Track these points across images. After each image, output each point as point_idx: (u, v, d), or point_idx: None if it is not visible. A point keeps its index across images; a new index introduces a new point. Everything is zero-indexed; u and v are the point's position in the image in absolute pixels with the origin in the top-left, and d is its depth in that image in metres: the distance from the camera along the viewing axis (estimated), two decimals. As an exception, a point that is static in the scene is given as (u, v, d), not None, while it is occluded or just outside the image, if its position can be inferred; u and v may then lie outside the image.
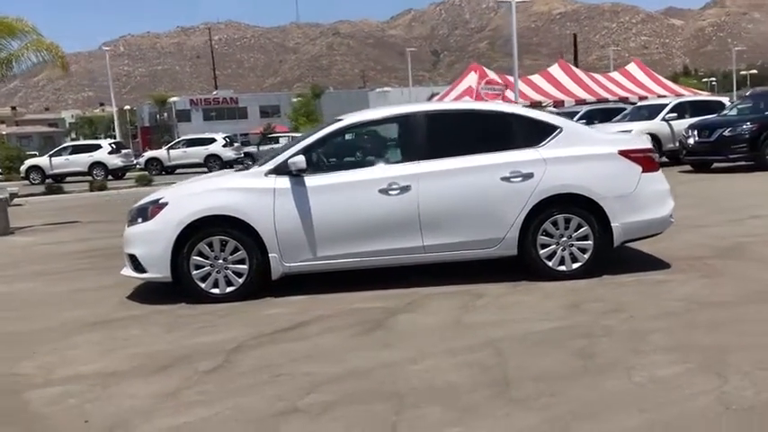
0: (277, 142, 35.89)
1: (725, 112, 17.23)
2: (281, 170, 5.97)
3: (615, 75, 41.63)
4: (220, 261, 5.92)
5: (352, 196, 5.93)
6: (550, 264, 5.99)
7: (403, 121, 6.23)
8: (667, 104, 19.42)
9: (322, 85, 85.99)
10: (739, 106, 17.07)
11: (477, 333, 4.62)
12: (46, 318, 5.82)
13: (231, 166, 31.69)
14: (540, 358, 4.06)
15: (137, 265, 6.06)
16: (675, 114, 18.27)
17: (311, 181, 5.92)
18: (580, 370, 3.84)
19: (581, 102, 35.10)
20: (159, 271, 5.96)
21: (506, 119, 6.29)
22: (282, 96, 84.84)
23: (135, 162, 31.71)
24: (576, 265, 6.00)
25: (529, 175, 5.90)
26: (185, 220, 5.87)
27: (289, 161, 5.90)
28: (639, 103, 26.19)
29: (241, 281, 5.94)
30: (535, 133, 6.12)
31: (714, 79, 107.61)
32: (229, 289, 5.95)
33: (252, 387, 3.89)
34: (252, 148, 35.90)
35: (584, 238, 5.98)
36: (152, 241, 5.95)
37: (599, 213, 5.96)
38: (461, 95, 34.92)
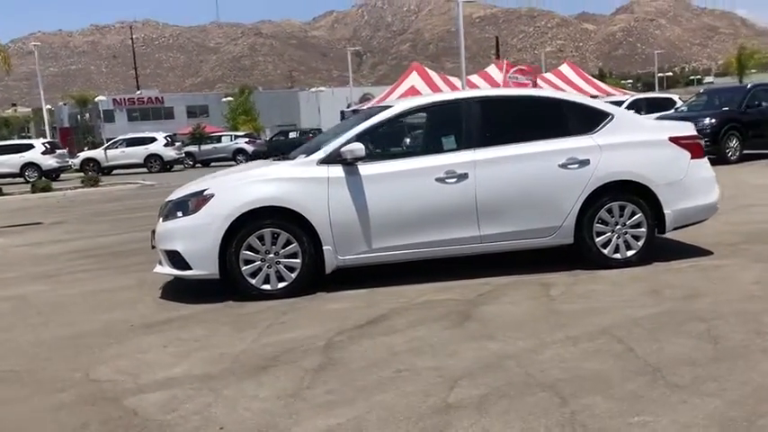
0: (219, 141, 34.98)
1: (682, 108, 17.85)
2: (333, 159, 5.69)
3: (549, 75, 42.65)
4: (271, 255, 5.59)
5: (408, 185, 5.71)
6: (605, 252, 5.94)
7: (457, 106, 6.04)
8: (624, 101, 20.27)
9: (250, 86, 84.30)
10: (694, 103, 17.70)
11: (581, 321, 4.49)
12: (83, 321, 5.34)
13: (172, 167, 30.74)
14: (666, 343, 3.96)
15: (178, 261, 5.65)
16: (632, 111, 18.97)
17: (365, 170, 5.67)
18: (720, 353, 3.76)
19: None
20: (206, 267, 5.57)
21: (560, 105, 6.21)
22: (211, 97, 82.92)
23: (70, 163, 30.19)
24: (630, 253, 5.97)
25: (585, 162, 5.84)
26: (235, 212, 5.50)
27: (344, 149, 5.62)
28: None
29: (294, 276, 5.62)
30: (588, 120, 6.06)
31: (630, 81, 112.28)
32: (281, 284, 5.63)
33: (382, 384, 3.63)
34: (193, 148, 34.82)
35: (638, 225, 5.95)
36: (198, 236, 5.55)
37: (652, 200, 5.95)
38: (405, 95, 34.99)
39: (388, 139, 6.10)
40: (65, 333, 5.03)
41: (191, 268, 5.61)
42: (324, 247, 5.61)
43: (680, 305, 4.74)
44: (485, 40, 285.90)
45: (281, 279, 5.63)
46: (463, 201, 5.73)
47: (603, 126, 6.01)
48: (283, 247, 5.59)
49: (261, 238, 5.57)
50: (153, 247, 6.14)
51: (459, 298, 5.29)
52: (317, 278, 5.70)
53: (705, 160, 6.21)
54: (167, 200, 6.01)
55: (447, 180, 5.70)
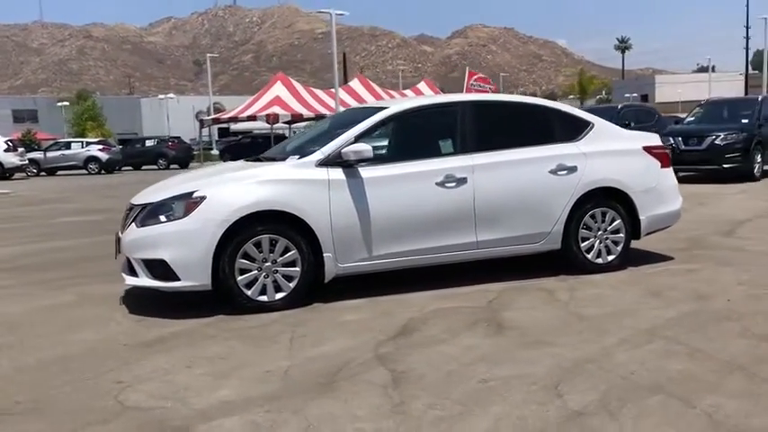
0: (68, 148, 32.29)
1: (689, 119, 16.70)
2: (332, 160, 5.36)
3: (408, 92, 43.69)
4: (268, 264, 5.15)
5: (408, 189, 5.51)
6: (589, 257, 6.08)
7: (454, 109, 5.91)
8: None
9: (87, 91, 79.05)
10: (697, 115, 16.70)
11: (617, 324, 4.50)
12: (60, 342, 4.58)
13: (12, 175, 27.95)
14: (722, 342, 4.07)
15: (162, 271, 5.04)
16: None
17: (366, 172, 5.39)
18: (785, 349, 3.92)
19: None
20: (197, 278, 5.02)
21: (548, 112, 6.28)
22: (41, 101, 76.71)
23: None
24: (610, 258, 6.15)
25: (573, 169, 5.94)
26: (231, 216, 5.01)
27: (346, 150, 5.31)
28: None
29: (292, 285, 5.21)
30: (572, 128, 6.19)
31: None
32: (279, 295, 5.19)
33: (480, 394, 3.40)
34: (38, 154, 31.84)
35: (617, 231, 6.15)
36: (188, 243, 4.99)
37: (629, 207, 6.17)
38: (270, 105, 34.41)
39: (387, 142, 5.82)
40: (48, 357, 4.29)
41: (178, 279, 5.02)
42: (324, 255, 5.26)
43: (696, 306, 4.90)
44: (327, 56, 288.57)
45: (278, 289, 5.19)
46: (462, 206, 5.62)
47: (586, 134, 6.16)
48: (281, 255, 5.17)
49: (257, 245, 5.11)
50: (116, 255, 5.46)
51: (470, 305, 5.16)
52: (313, 288, 5.33)
53: (671, 169, 6.55)
54: (141, 202, 5.36)
55: (446, 184, 5.57)
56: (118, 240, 5.47)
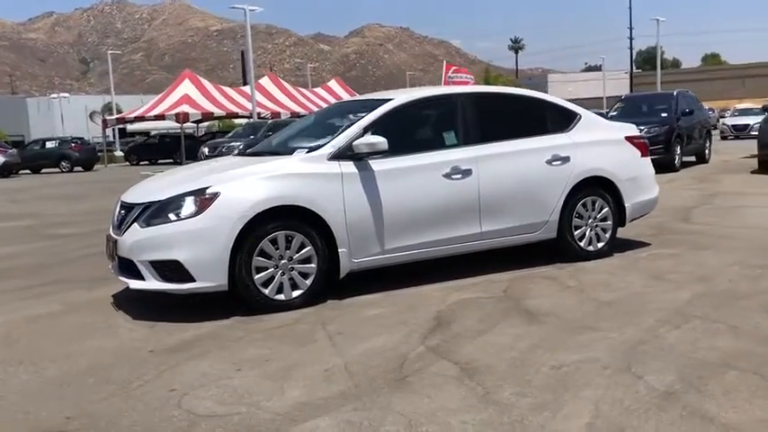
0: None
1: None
2: (344, 153, 5.24)
3: (320, 90, 43.64)
4: (284, 261, 4.98)
5: (419, 182, 5.47)
6: (581, 244, 6.24)
7: (456, 100, 5.89)
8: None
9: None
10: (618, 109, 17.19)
11: (643, 308, 4.63)
12: (73, 353, 4.25)
13: None
14: (751, 319, 4.27)
15: (175, 273, 4.77)
16: (271, 133, 20.55)
17: (377, 165, 5.31)
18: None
19: (295, 115, 35.97)
20: (214, 278, 4.78)
21: (541, 104, 6.39)
22: None
23: None
24: (600, 245, 6.33)
25: (567, 159, 6.08)
26: (248, 213, 4.81)
27: (358, 143, 5.21)
28: (250, 120, 28.20)
29: (308, 283, 5.06)
30: (564, 119, 6.34)
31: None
32: (295, 293, 5.03)
33: (567, 382, 3.41)
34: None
35: (605, 218, 6.35)
36: (205, 241, 4.74)
37: (615, 195, 6.38)
38: (178, 103, 33.35)
39: (392, 133, 5.71)
40: (71, 368, 3.97)
41: (193, 280, 4.77)
42: (339, 250, 5.14)
43: (704, 288, 5.11)
44: (223, 54, 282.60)
45: (294, 287, 5.03)
46: (468, 197, 5.64)
47: (575, 125, 6.32)
48: (297, 252, 5.01)
49: (273, 242, 4.93)
50: (115, 258, 5.13)
51: (487, 295, 5.18)
52: (327, 285, 5.20)
53: (649, 158, 6.82)
54: (143, 200, 5.05)
55: (453, 176, 5.57)
56: (114, 243, 5.12)
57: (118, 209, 5.50)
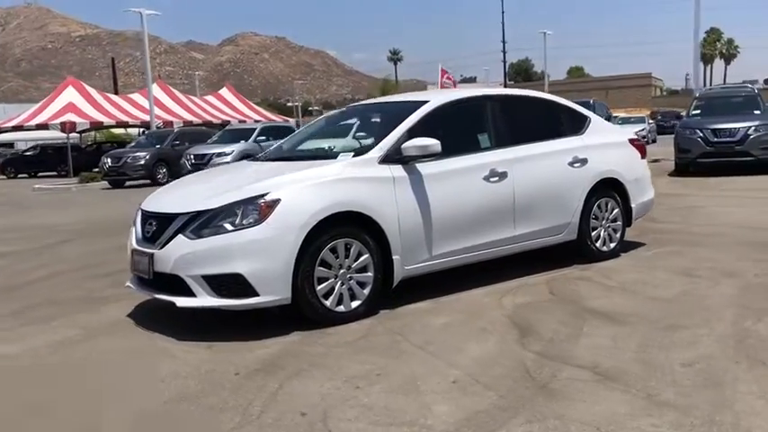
0: None
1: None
2: (392, 157, 5.04)
3: (211, 98, 42.42)
4: (343, 270, 4.71)
5: (461, 185, 5.36)
6: (597, 245, 6.35)
7: (489, 102, 5.83)
8: (255, 128, 21.83)
9: None
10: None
11: (702, 303, 4.74)
12: (143, 385, 3.80)
13: None
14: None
15: (234, 288, 4.38)
16: (264, 137, 20.47)
17: (423, 168, 5.15)
18: None
19: (188, 123, 34.79)
20: (277, 292, 4.43)
21: (559, 107, 6.44)
22: None
23: None
24: (612, 245, 6.47)
25: (584, 161, 6.17)
26: (311, 220, 4.51)
27: (408, 146, 5.02)
28: (228, 127, 27.76)
29: (366, 292, 4.81)
30: (577, 122, 6.43)
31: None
32: (354, 304, 4.77)
33: (714, 374, 3.41)
34: None
35: (616, 219, 6.50)
36: (268, 252, 4.39)
37: (623, 196, 6.55)
38: (63, 112, 31.34)
39: (431, 135, 5.53)
40: (160, 400, 3.52)
41: (257, 295, 4.39)
42: (393, 257, 4.92)
43: (739, 282, 5.29)
44: (87, 61, 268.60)
45: (352, 298, 4.76)
46: (505, 200, 5.59)
47: (587, 128, 6.43)
48: (355, 260, 4.75)
49: (333, 251, 4.65)
50: (147, 275, 4.66)
51: (540, 299, 5.14)
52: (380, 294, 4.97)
53: (646, 160, 7.05)
54: (187, 210, 4.59)
55: (491, 179, 5.50)
56: (150, 257, 4.63)
57: (140, 220, 5.01)
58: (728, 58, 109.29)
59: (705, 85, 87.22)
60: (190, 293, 4.47)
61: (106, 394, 3.62)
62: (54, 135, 34.67)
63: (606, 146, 6.44)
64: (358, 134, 5.96)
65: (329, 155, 5.25)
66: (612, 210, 6.44)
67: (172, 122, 34.87)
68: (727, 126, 13.92)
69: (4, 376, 4.00)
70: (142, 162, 20.94)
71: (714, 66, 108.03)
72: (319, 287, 4.57)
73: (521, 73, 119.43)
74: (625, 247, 6.75)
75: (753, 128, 13.70)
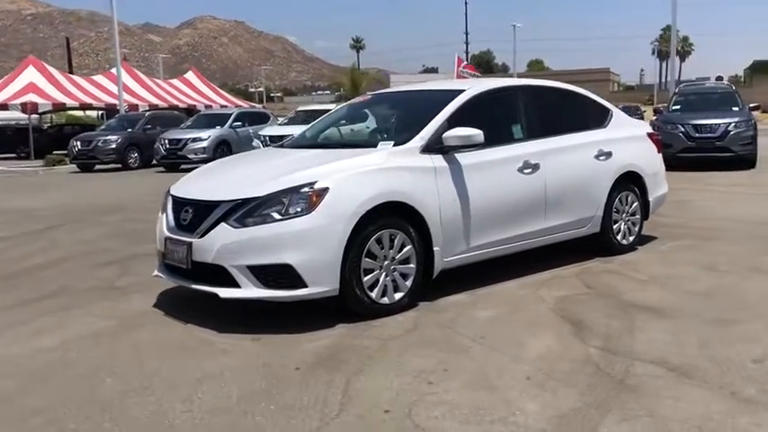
0: None
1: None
2: (432, 146, 4.94)
3: (176, 82, 41.48)
4: (387, 262, 4.60)
5: (498, 176, 5.29)
6: (618, 238, 6.36)
7: (521, 93, 5.77)
8: (231, 114, 21.30)
9: None
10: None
11: (743, 298, 4.78)
12: (206, 379, 3.64)
13: None
14: None
15: (285, 279, 4.23)
16: (240, 123, 20.21)
17: (463, 159, 5.06)
18: None
19: (153, 107, 34.01)
20: (326, 283, 4.30)
21: (585, 100, 6.40)
22: None
23: None
24: (631, 239, 6.49)
25: (609, 154, 6.16)
26: (359, 210, 4.39)
27: (449, 135, 4.92)
28: (203, 112, 27.22)
29: (408, 284, 4.72)
30: (600, 115, 6.42)
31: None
32: (397, 296, 4.67)
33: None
34: None
35: (635, 213, 6.52)
36: (317, 242, 4.25)
37: (642, 189, 6.56)
38: (23, 92, 30.29)
39: (468, 125, 5.41)
40: (231, 397, 3.37)
41: (305, 286, 4.25)
42: (434, 248, 4.84)
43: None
44: (39, 40, 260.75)
45: (395, 289, 4.66)
46: (537, 192, 5.54)
47: (610, 120, 6.42)
48: (399, 251, 4.65)
49: (378, 242, 4.54)
50: (185, 264, 4.48)
51: (577, 292, 5.10)
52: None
53: (661, 155, 7.08)
54: (229, 198, 4.41)
55: (524, 171, 5.45)
56: (188, 246, 4.45)
57: (172, 206, 4.82)
58: (683, 54, 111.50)
59: (660, 81, 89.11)
60: (233, 284, 4.30)
61: (174, 391, 3.45)
62: (9, 116, 33.50)
63: (628, 139, 6.45)
64: (389, 123, 5.83)
65: (368, 143, 5.12)
66: (632, 203, 6.45)
67: (137, 106, 34.02)
68: (707, 122, 14.15)
69: (59, 370, 3.78)
70: (113, 146, 20.36)
71: (670, 62, 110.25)
72: (365, 279, 4.46)
73: (482, 65, 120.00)
74: (640, 240, 6.78)
75: (733, 124, 13.95)
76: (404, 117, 5.64)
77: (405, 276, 4.69)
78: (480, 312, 4.64)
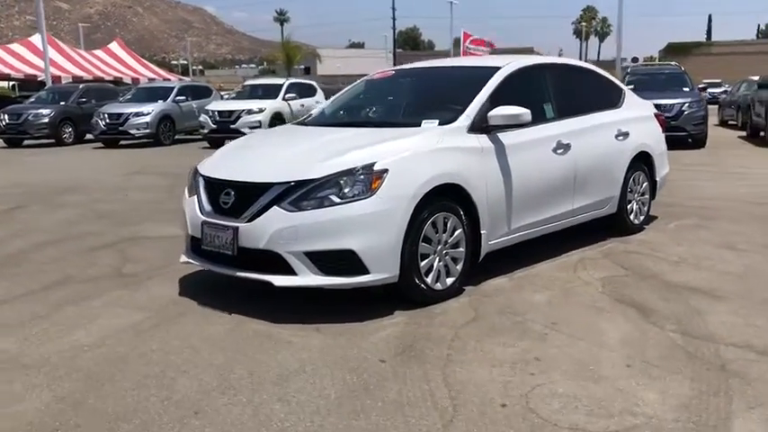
0: None
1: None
2: (478, 126, 4.78)
3: (100, 53, 39.77)
4: (440, 246, 4.42)
5: (535, 156, 5.17)
6: (631, 218, 6.38)
7: (549, 72, 5.64)
8: (173, 87, 20.47)
9: None
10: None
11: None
12: (292, 377, 3.38)
13: None
14: None
15: (347, 265, 4.00)
16: (183, 97, 19.57)
17: (505, 138, 4.92)
18: None
19: (78, 79, 32.39)
20: (387, 269, 4.09)
21: (602, 79, 6.34)
22: None
23: None
24: (641, 218, 6.53)
25: (627, 134, 6.15)
26: (419, 192, 4.18)
27: (495, 114, 4.76)
28: (144, 85, 26.18)
29: (459, 268, 4.56)
30: (616, 94, 6.38)
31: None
32: (449, 281, 4.50)
33: None
34: None
35: (644, 192, 6.55)
36: (379, 226, 4.03)
37: (651, 169, 6.61)
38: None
39: (504, 103, 5.23)
40: (332, 396, 3.14)
41: (367, 272, 4.03)
42: (482, 231, 4.69)
43: (793, 254, 5.51)
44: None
45: (447, 274, 4.49)
46: (568, 173, 5.47)
47: (623, 100, 6.40)
48: (451, 235, 4.48)
49: (433, 225, 4.35)
50: (230, 251, 4.16)
51: (616, 273, 5.07)
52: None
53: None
54: (279, 180, 4.11)
55: (557, 151, 5.36)
56: (234, 231, 4.13)
57: (206, 188, 4.47)
58: (603, 35, 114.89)
59: (581, 60, 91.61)
60: (288, 271, 4.03)
61: (262, 389, 3.18)
62: None
63: (640, 119, 6.46)
64: (422, 101, 5.58)
65: (408, 122, 4.89)
66: (643, 183, 6.48)
67: (60, 78, 32.32)
68: (662, 102, 14.40)
69: (118, 370, 3.43)
70: (46, 120, 19.16)
71: (590, 42, 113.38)
72: (422, 263, 4.27)
73: (408, 42, 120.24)
74: (646, 220, 6.83)
75: (686, 104, 14.35)
76: (439, 95, 5.43)
77: (455, 261, 4.53)
78: (532, 296, 4.53)
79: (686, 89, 15.32)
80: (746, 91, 19.38)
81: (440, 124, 4.72)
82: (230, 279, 4.44)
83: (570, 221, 5.67)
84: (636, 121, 6.33)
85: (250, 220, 4.10)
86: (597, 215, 6.01)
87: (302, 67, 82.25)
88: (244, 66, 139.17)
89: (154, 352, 3.66)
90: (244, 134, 17.06)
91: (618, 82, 6.57)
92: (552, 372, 3.32)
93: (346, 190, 4.03)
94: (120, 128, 18.16)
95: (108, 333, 3.94)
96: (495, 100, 4.95)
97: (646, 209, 6.56)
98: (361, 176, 4.05)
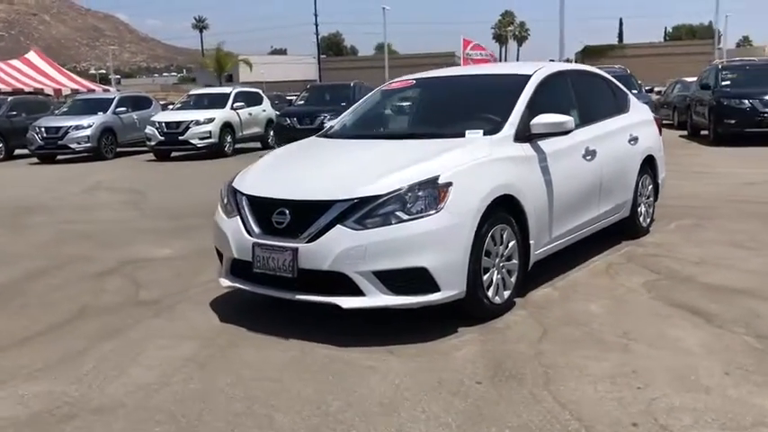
0: None
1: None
2: (521, 135, 4.71)
3: (16, 63, 37.74)
4: (497, 259, 4.33)
5: (570, 164, 5.14)
6: (640, 220, 6.46)
7: (570, 77, 5.62)
8: (112, 99, 19.72)
9: None
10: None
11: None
12: (393, 405, 3.20)
13: None
14: None
15: (418, 283, 3.84)
16: (124, 108, 19.02)
17: (546, 147, 4.87)
18: None
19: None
20: (455, 285, 3.96)
21: (612, 84, 6.38)
22: None
23: None
24: (648, 221, 6.63)
25: (636, 139, 6.22)
26: (482, 205, 4.08)
27: (537, 122, 4.72)
28: (81, 96, 25.17)
29: (513, 280, 4.47)
30: (624, 100, 6.45)
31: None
32: (506, 294, 4.41)
33: None
34: None
35: (650, 195, 6.65)
36: (447, 242, 3.89)
37: (654, 172, 6.71)
38: None
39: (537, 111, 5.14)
40: (440, 425, 2.98)
41: (438, 290, 3.88)
42: (530, 241, 4.62)
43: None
44: None
45: (504, 287, 4.40)
46: (595, 179, 5.47)
47: (630, 105, 6.48)
48: (506, 247, 4.39)
49: (492, 238, 4.25)
50: (290, 273, 3.94)
51: (650, 279, 5.07)
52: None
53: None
54: (340, 198, 3.91)
55: (586, 157, 5.36)
56: (294, 253, 3.90)
57: (251, 208, 4.22)
58: (521, 39, 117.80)
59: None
60: (355, 292, 3.84)
61: (371, 420, 2.98)
62: None
63: (644, 123, 6.56)
64: (453, 111, 5.42)
65: (449, 133, 4.75)
66: (649, 186, 6.57)
67: (-25, 89, 30.53)
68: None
69: (202, 408, 3.15)
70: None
71: (509, 47, 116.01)
72: (484, 277, 4.16)
73: (332, 47, 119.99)
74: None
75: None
76: (472, 104, 5.31)
77: (510, 273, 4.44)
78: (587, 306, 4.48)
79: (634, 91, 15.72)
80: (682, 91, 20.16)
81: (484, 134, 4.62)
82: (266, 300, 4.22)
83: (594, 228, 5.68)
84: (642, 125, 6.42)
85: (310, 240, 3.89)
86: (615, 220, 6.04)
87: (226, 74, 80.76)
88: (165, 74, 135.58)
89: (230, 386, 3.40)
90: (195, 146, 16.79)
91: (624, 88, 6.64)
92: (656, 384, 3.26)
93: (412, 206, 3.87)
94: (59, 142, 17.28)
95: (167, 368, 3.65)
96: (531, 108, 4.90)
97: (651, 211, 6.66)
98: (428, 191, 3.90)
